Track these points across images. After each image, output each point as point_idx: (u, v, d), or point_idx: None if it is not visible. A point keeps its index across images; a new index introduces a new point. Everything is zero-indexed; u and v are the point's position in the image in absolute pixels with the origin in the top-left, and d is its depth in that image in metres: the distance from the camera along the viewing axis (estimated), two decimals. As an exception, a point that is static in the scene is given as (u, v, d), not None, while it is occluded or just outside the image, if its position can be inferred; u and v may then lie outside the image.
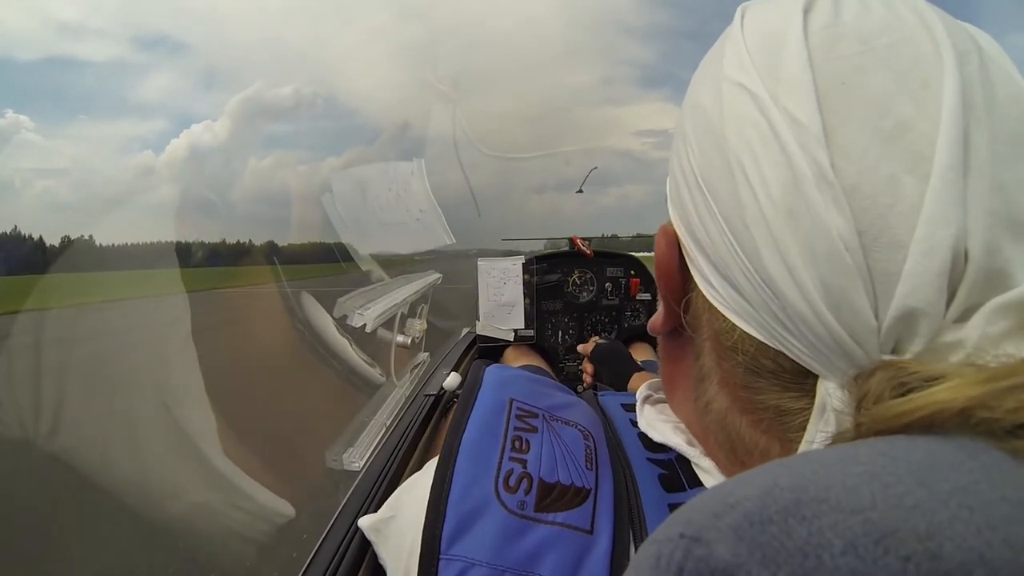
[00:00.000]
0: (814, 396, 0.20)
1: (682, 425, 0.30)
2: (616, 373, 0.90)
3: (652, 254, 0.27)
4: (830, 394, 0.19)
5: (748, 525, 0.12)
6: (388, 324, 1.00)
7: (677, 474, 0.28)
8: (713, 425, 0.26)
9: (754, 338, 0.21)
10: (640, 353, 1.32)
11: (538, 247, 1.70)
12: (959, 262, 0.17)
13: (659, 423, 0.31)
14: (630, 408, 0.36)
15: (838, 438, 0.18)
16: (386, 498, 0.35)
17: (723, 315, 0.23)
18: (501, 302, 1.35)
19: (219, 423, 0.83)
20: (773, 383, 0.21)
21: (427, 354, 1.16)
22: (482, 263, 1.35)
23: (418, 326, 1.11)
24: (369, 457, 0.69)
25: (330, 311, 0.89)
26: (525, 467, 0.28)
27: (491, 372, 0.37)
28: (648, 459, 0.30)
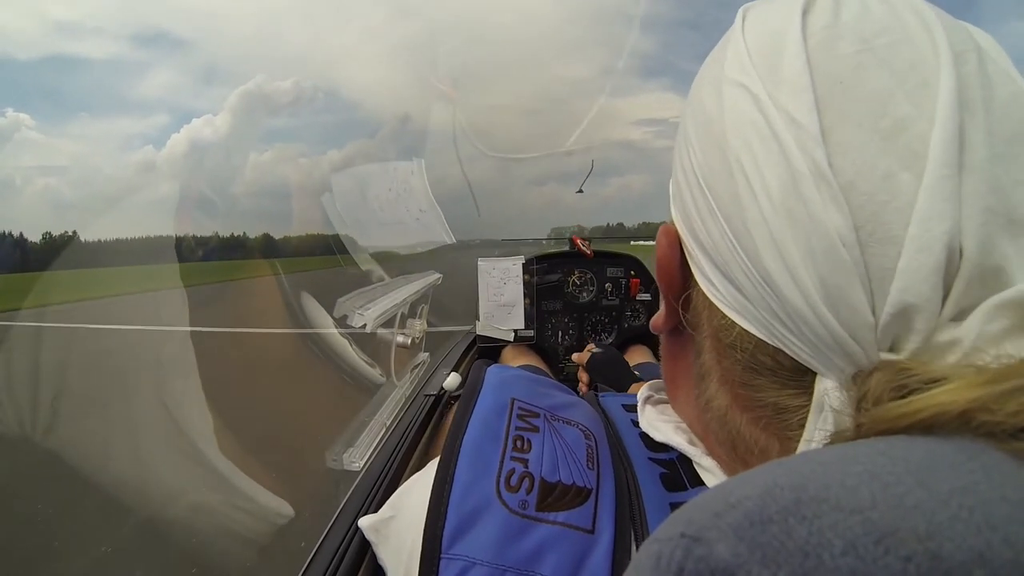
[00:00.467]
0: (812, 394, 0.20)
1: (684, 425, 0.30)
2: (612, 383, 0.89)
3: (655, 243, 0.27)
4: (828, 392, 0.19)
5: (748, 525, 0.12)
6: (388, 324, 1.00)
7: (679, 473, 0.28)
8: (714, 423, 0.26)
9: (753, 335, 0.21)
10: (639, 355, 1.32)
11: (540, 247, 1.69)
12: (954, 258, 0.17)
13: (660, 423, 0.31)
14: (631, 408, 0.36)
15: (836, 437, 0.18)
16: (386, 498, 0.35)
17: (722, 312, 0.23)
18: (501, 302, 1.35)
19: (218, 423, 0.83)
20: (772, 380, 0.21)
21: (427, 354, 1.16)
22: (482, 263, 1.35)
23: (418, 326, 1.11)
24: (369, 457, 0.69)
25: (333, 305, 0.89)
26: (527, 467, 0.28)
27: (492, 372, 0.37)
28: (649, 459, 0.30)
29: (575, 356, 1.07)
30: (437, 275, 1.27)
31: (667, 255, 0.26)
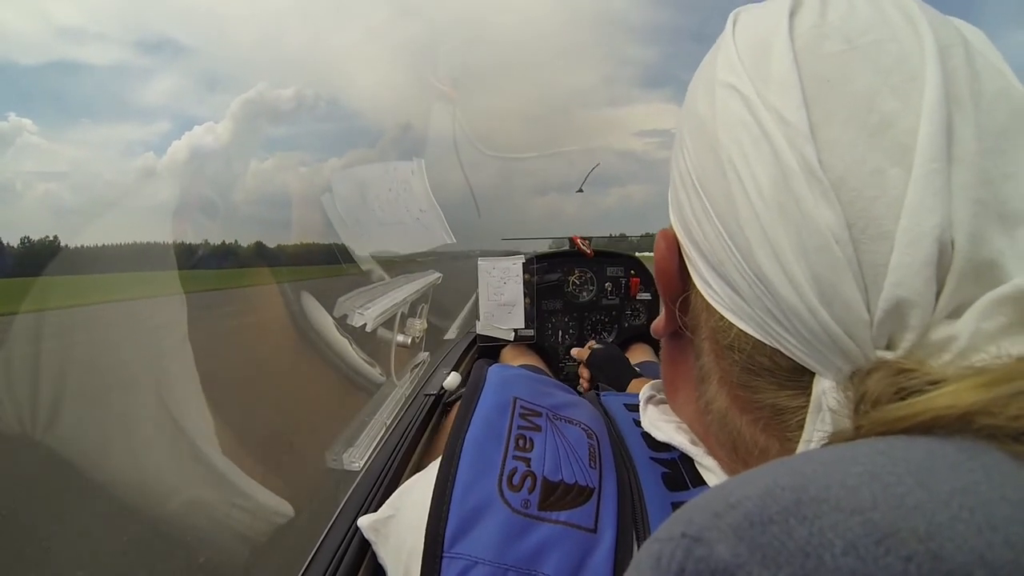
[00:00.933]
0: (811, 394, 0.20)
1: (685, 425, 0.30)
2: (613, 380, 0.89)
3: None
4: (825, 393, 0.19)
5: (749, 525, 0.12)
6: (388, 324, 1.00)
7: (681, 473, 0.28)
8: (714, 425, 0.26)
9: (750, 336, 0.21)
10: (640, 354, 1.32)
11: (542, 246, 1.69)
12: (946, 252, 0.17)
13: (662, 423, 0.31)
14: (633, 408, 0.36)
15: (835, 437, 0.18)
16: (386, 498, 0.35)
17: (720, 314, 0.23)
18: (501, 302, 1.35)
19: (218, 422, 0.83)
20: (770, 381, 0.21)
21: (427, 354, 1.16)
22: (482, 263, 1.35)
23: (418, 326, 1.11)
24: (369, 457, 0.69)
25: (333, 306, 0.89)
26: (529, 466, 0.28)
27: (494, 371, 0.37)
28: (651, 458, 0.30)
29: (575, 351, 1.07)
30: (437, 275, 1.27)
31: (665, 258, 0.26)
